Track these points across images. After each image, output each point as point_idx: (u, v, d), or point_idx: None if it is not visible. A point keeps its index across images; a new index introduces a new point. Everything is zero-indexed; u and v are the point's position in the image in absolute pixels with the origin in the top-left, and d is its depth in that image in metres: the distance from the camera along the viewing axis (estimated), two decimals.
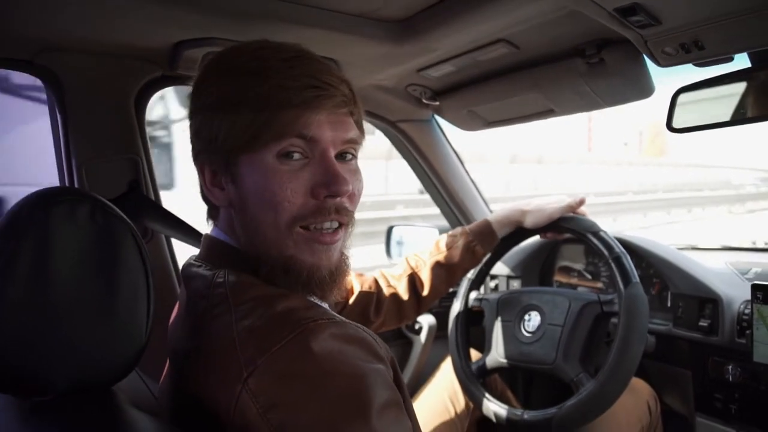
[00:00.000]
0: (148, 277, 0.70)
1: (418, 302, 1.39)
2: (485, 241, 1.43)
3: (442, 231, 1.95)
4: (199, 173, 0.80)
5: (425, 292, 1.38)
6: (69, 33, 1.09)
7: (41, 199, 0.64)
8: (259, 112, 0.71)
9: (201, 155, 0.79)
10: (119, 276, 0.67)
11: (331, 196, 0.74)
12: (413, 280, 1.39)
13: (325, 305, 0.81)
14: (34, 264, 0.61)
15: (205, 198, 0.83)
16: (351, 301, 1.30)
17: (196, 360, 0.71)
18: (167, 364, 0.84)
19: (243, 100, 0.72)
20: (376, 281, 1.36)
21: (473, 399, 1.47)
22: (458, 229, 1.45)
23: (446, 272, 1.40)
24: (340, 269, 0.79)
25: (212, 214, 0.85)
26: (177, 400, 0.76)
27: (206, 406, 0.67)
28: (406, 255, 1.46)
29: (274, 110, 0.71)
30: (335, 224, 0.77)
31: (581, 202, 1.43)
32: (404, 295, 1.37)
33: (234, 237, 0.81)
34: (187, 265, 0.83)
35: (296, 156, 0.73)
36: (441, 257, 1.40)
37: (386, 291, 1.36)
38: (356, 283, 1.32)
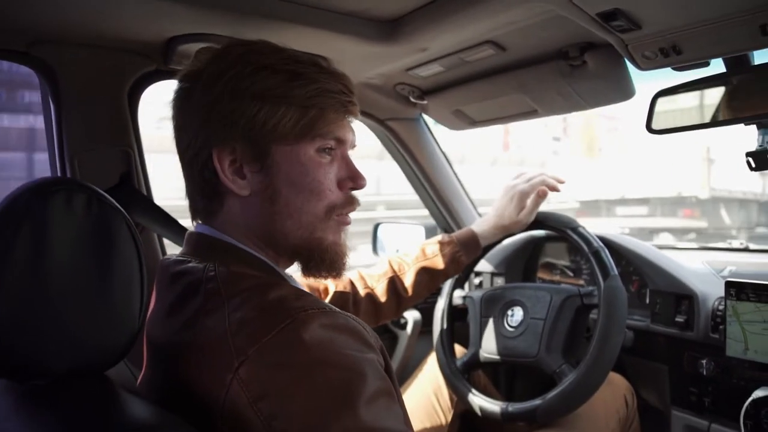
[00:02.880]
0: (142, 266, 0.72)
1: (398, 304, 1.41)
2: (470, 251, 1.46)
3: (427, 229, 1.99)
4: (212, 162, 0.79)
5: (407, 295, 1.40)
6: (65, 25, 1.11)
7: (38, 188, 0.66)
8: (306, 109, 0.79)
9: (221, 143, 0.78)
10: (114, 264, 0.69)
11: (353, 189, 0.87)
12: (394, 283, 1.40)
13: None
14: (31, 251, 0.62)
15: (208, 190, 0.82)
16: (326, 300, 1.29)
17: (188, 352, 0.72)
18: (146, 358, 0.84)
19: (290, 96, 0.78)
20: (351, 282, 1.37)
21: (458, 394, 1.50)
22: (445, 237, 1.46)
23: (430, 278, 1.42)
24: (347, 244, 0.90)
25: (208, 209, 0.84)
26: (164, 390, 0.77)
27: (197, 396, 0.68)
28: (389, 256, 1.47)
29: (320, 110, 0.80)
30: None
31: (560, 181, 1.47)
32: (382, 297, 1.38)
33: (233, 231, 0.82)
34: (172, 262, 0.83)
35: (328, 152, 0.83)
36: (427, 263, 1.42)
37: (363, 291, 1.37)
38: (330, 284, 1.32)
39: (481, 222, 1.52)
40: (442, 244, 1.44)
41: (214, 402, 0.65)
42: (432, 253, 1.43)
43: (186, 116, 0.82)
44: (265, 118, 0.78)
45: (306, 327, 0.66)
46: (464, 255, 1.44)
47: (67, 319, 0.65)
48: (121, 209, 0.71)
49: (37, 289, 0.63)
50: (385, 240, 2.14)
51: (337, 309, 0.73)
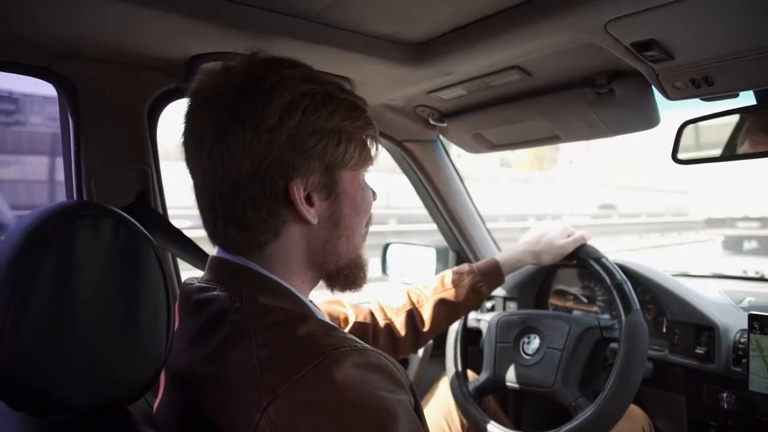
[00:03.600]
0: (168, 295, 0.69)
1: (416, 338, 1.37)
2: (491, 282, 1.42)
3: (438, 250, 1.97)
4: (290, 192, 0.76)
5: (425, 329, 1.36)
6: (86, 41, 1.09)
7: (65, 212, 0.63)
8: (365, 139, 0.84)
9: (301, 174, 0.76)
10: (141, 294, 0.66)
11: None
12: (413, 316, 1.36)
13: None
14: (57, 280, 0.60)
15: (269, 222, 0.77)
16: (346, 330, 1.26)
17: (212, 386, 0.70)
18: (164, 385, 0.82)
19: (354, 129, 0.81)
20: (371, 313, 1.34)
21: (471, 420, 1.47)
22: (465, 267, 1.43)
23: (449, 310, 1.38)
24: None
25: (264, 239, 0.79)
26: (185, 423, 0.75)
27: (221, 431, 0.66)
28: (408, 288, 1.43)
29: (370, 140, 0.86)
30: None
31: (588, 235, 1.46)
32: (402, 330, 1.34)
33: (274, 261, 0.80)
34: (196, 288, 0.80)
35: None
36: (446, 294, 1.38)
37: (382, 323, 1.34)
38: (351, 313, 1.29)
39: (507, 249, 1.50)
40: (461, 274, 1.41)
41: None
42: (451, 283, 1.39)
43: (248, 142, 0.74)
44: (344, 151, 0.80)
45: (338, 366, 0.64)
46: (485, 285, 1.40)
47: (92, 353, 0.62)
48: (149, 235, 0.69)
49: (62, 318, 0.60)
50: (396, 261, 2.13)
51: (368, 346, 0.71)
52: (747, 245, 15.37)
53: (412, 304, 1.38)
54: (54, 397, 0.61)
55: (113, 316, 0.64)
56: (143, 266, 0.67)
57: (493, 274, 1.43)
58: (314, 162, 0.77)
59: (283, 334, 0.69)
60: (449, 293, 1.38)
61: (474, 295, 1.39)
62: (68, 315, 0.60)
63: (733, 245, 15.10)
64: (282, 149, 0.75)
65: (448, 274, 1.42)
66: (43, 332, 0.59)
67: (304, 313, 0.77)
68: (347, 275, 0.88)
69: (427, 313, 1.36)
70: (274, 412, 0.62)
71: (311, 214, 0.78)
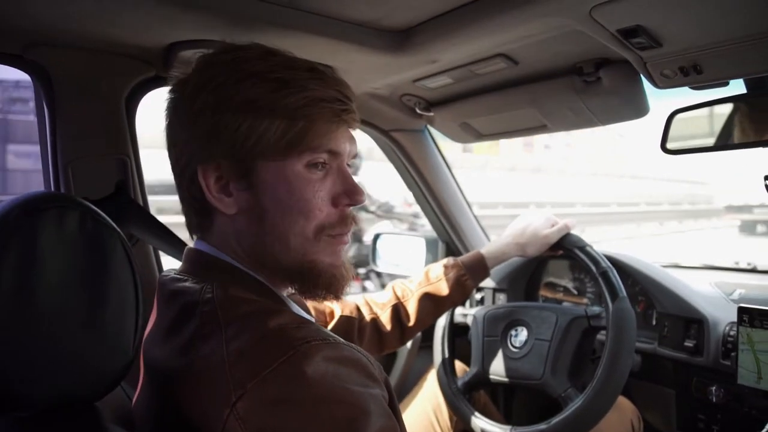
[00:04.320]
0: (137, 288, 0.68)
1: (401, 333, 1.35)
2: (476, 276, 1.41)
3: (428, 240, 1.96)
4: (198, 178, 0.74)
5: (410, 323, 1.34)
6: (61, 28, 1.06)
7: (28, 205, 0.61)
8: (294, 120, 0.73)
9: (206, 159, 0.74)
10: (108, 287, 0.65)
11: (350, 205, 0.80)
12: (398, 310, 1.35)
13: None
14: (18, 274, 0.59)
15: (198, 207, 0.78)
16: (332, 325, 1.25)
17: (183, 380, 0.68)
18: (143, 377, 0.81)
19: (276, 107, 0.72)
20: (357, 307, 1.32)
21: (460, 415, 1.46)
22: (450, 260, 1.41)
23: (433, 304, 1.37)
24: (349, 265, 0.84)
25: (202, 225, 0.80)
26: (159, 418, 0.73)
27: (194, 428, 0.65)
28: (393, 283, 1.42)
29: (310, 122, 0.74)
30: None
31: (573, 224, 1.44)
32: (387, 325, 1.33)
33: (228, 249, 0.78)
34: (170, 279, 0.79)
35: (320, 167, 0.77)
36: (430, 288, 1.36)
37: (368, 318, 1.32)
38: (336, 307, 1.27)
39: (492, 242, 1.49)
40: (446, 267, 1.39)
41: None
42: (436, 277, 1.38)
43: (172, 129, 0.78)
44: (248, 132, 0.72)
45: (308, 360, 0.62)
46: (470, 279, 1.39)
47: (56, 347, 0.61)
48: (116, 228, 0.68)
49: (23, 313, 0.59)
50: (385, 251, 2.11)
51: (341, 339, 0.69)
52: (759, 228, 17.39)
53: (397, 298, 1.36)
54: (16, 392, 0.60)
55: (78, 310, 0.63)
56: (110, 259, 0.66)
57: (478, 268, 1.41)
58: (219, 145, 0.73)
59: (254, 326, 0.67)
60: (434, 287, 1.36)
61: (459, 289, 1.38)
62: (30, 309, 0.59)
63: (748, 229, 17.32)
64: (189, 133, 0.76)
65: (433, 268, 1.40)
66: (3, 326, 0.58)
67: (276, 306, 0.75)
68: (303, 281, 0.80)
69: (412, 308, 1.35)
70: (243, 408, 0.60)
71: (224, 204, 0.75)
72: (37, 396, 0.61)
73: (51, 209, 0.62)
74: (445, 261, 1.42)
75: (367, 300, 1.36)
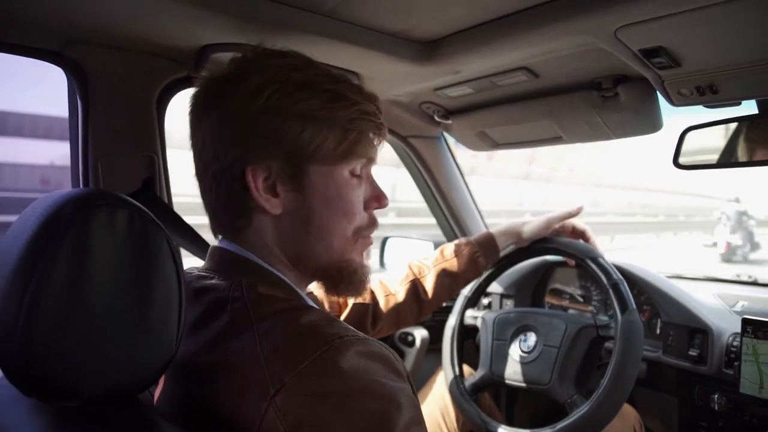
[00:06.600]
0: (180, 286, 0.68)
1: (419, 308, 1.41)
2: (488, 254, 1.47)
3: (436, 245, 1.98)
4: (245, 178, 0.76)
5: (428, 298, 1.40)
6: (99, 27, 1.08)
7: (81, 201, 0.62)
8: (347, 132, 0.79)
9: (258, 159, 0.76)
10: (154, 285, 0.65)
11: (378, 208, 0.87)
12: (415, 286, 1.40)
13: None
14: (72, 270, 0.59)
15: (236, 206, 0.79)
16: (345, 314, 1.28)
17: (214, 374, 0.70)
18: (165, 374, 0.83)
19: (333, 118, 0.78)
20: (371, 291, 1.36)
21: (468, 416, 1.48)
22: (462, 240, 1.48)
23: (450, 280, 1.42)
24: (369, 265, 0.91)
25: (237, 224, 0.81)
26: (189, 412, 0.75)
27: (226, 420, 0.66)
28: (408, 262, 1.47)
29: (359, 133, 0.80)
30: None
31: (579, 209, 1.48)
32: (405, 302, 1.38)
33: (259, 249, 0.81)
34: (195, 277, 0.81)
35: (359, 174, 0.83)
36: (446, 265, 1.42)
37: (384, 299, 1.36)
38: None
39: (498, 226, 1.54)
40: (459, 245, 1.45)
41: (246, 429, 0.64)
42: (450, 254, 1.44)
43: (216, 126, 0.79)
44: (309, 138, 0.77)
45: (343, 355, 0.65)
46: (482, 256, 1.45)
47: (104, 342, 0.62)
48: (162, 227, 0.68)
49: (75, 308, 0.59)
50: (393, 255, 2.14)
51: (369, 336, 0.71)
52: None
53: (414, 275, 1.42)
54: (65, 385, 0.61)
55: (126, 307, 0.63)
56: (157, 257, 0.66)
57: (489, 246, 1.47)
58: (273, 148, 0.76)
59: (286, 323, 0.69)
60: (449, 264, 1.42)
61: (472, 266, 1.44)
62: (82, 305, 0.60)
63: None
64: (243, 133, 0.77)
65: (447, 247, 1.46)
66: (56, 322, 0.58)
67: (304, 304, 0.78)
68: (337, 279, 0.85)
69: (429, 284, 1.40)
70: (282, 400, 0.62)
71: (271, 204, 0.78)
72: (83, 388, 0.61)
73: (102, 206, 0.62)
74: (457, 240, 1.48)
75: (382, 281, 1.41)
